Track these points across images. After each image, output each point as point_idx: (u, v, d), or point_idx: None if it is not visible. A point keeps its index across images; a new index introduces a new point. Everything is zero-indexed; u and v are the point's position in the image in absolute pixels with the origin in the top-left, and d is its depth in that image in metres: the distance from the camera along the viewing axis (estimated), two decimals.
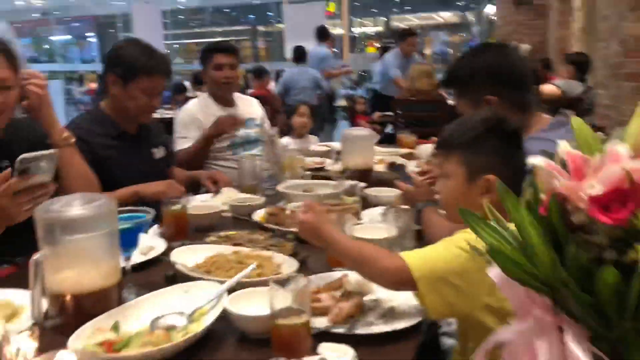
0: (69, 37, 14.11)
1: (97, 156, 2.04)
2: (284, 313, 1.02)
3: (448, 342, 1.52)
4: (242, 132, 2.86)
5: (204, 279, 1.32)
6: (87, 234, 1.14)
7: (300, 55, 6.71)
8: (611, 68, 4.29)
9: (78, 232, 1.13)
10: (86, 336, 1.06)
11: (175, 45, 19.45)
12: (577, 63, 5.30)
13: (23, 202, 1.34)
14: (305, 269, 1.44)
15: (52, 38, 13.10)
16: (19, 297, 1.25)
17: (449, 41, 17.17)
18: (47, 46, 12.98)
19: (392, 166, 1.95)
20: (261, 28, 19.13)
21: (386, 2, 19.27)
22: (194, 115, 2.78)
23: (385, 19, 19.63)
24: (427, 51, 14.70)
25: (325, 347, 1.00)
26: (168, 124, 3.19)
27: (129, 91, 2.07)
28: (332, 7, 16.18)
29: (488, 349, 0.57)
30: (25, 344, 0.93)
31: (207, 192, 2.31)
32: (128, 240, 1.32)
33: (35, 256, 1.10)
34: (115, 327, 1.12)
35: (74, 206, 1.14)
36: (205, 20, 18.67)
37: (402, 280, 1.06)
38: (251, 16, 18.94)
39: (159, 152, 2.35)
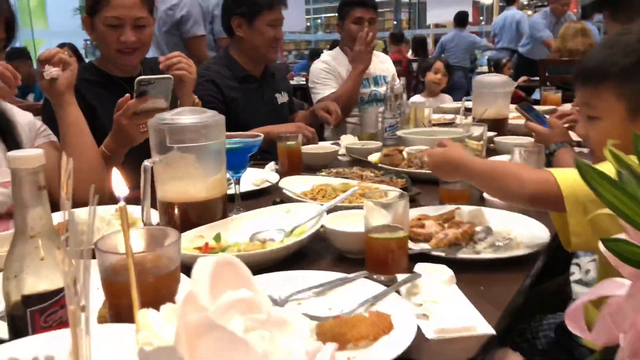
0: None
1: (225, 98, 2.14)
2: (379, 229, 0.95)
3: (581, 290, 1.34)
4: (369, 89, 2.80)
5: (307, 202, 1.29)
6: (196, 144, 1.16)
7: (461, 20, 7.00)
8: None
9: (188, 141, 1.15)
10: (187, 240, 1.08)
11: (317, 20, 19.81)
12: None
13: (141, 123, 1.42)
14: (415, 205, 1.35)
15: None
16: (138, 211, 1.32)
17: None
18: None
19: (526, 108, 1.75)
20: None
21: None
22: (330, 65, 2.76)
23: None
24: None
25: (421, 267, 0.92)
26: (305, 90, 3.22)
27: (255, 28, 2.15)
28: None
29: (589, 300, 0.44)
30: None
31: None
32: (237, 161, 1.34)
33: (146, 162, 1.14)
34: (217, 238, 1.13)
35: (185, 115, 1.16)
36: None
37: (545, 193, 0.92)
38: None
39: (282, 98, 2.39)
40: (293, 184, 1.48)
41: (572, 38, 4.41)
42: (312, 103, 2.70)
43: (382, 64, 2.92)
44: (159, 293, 0.68)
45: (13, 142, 1.36)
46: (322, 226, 1.09)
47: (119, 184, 0.59)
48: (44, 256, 0.63)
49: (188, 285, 0.44)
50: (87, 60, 1.84)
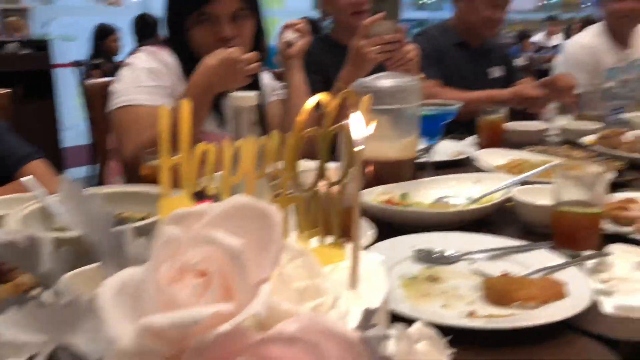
0: None
1: (439, 60, 2.15)
2: (570, 203, 0.89)
3: None
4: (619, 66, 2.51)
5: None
6: (391, 106, 1.21)
7: None
8: None
9: (384, 103, 1.20)
10: (375, 194, 1.14)
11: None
12: None
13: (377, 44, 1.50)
14: (628, 190, 1.21)
15: None
16: None
17: None
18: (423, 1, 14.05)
19: None
20: None
21: None
22: (584, 51, 2.47)
23: None
24: None
25: (615, 247, 0.84)
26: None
27: (472, 3, 2.10)
28: None
29: None
30: None
31: None
32: (431, 127, 1.35)
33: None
34: (404, 196, 1.17)
35: (383, 80, 1.22)
36: None
37: None
38: None
39: (495, 72, 2.31)
40: (490, 157, 1.44)
41: None
42: None
43: None
44: None
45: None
46: (510, 198, 1.05)
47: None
48: None
49: None
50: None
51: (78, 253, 0.44)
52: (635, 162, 1.40)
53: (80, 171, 4.74)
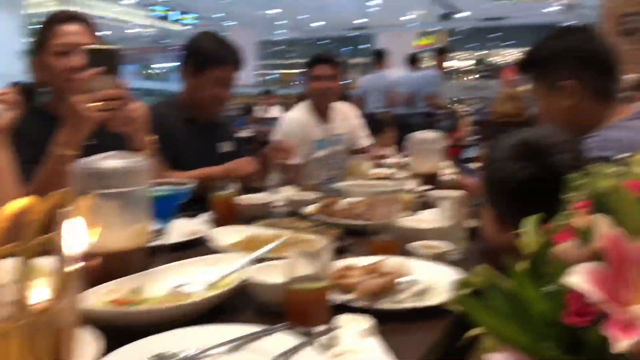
0: (171, 64, 15.30)
1: (168, 137, 2.10)
2: (299, 280, 0.93)
3: None
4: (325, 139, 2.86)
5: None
6: (119, 189, 1.12)
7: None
8: None
9: (110, 186, 1.11)
10: (102, 293, 1.03)
11: (273, 75, 20.35)
12: None
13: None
14: (349, 257, 1.35)
15: (156, 65, 14.24)
16: None
17: None
18: (148, 71, 14.11)
19: (458, 163, 1.81)
20: (357, 60, 19.51)
21: (483, 38, 19.15)
22: (295, 124, 2.80)
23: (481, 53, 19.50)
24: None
25: (343, 319, 0.90)
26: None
27: (201, 81, 2.15)
28: (426, 41, 16.29)
29: None
30: None
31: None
32: (164, 209, 1.30)
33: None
34: (136, 291, 1.08)
35: (109, 159, 1.13)
36: (301, 52, 19.40)
37: None
38: (345, 49, 19.38)
39: (224, 147, 2.38)
40: (226, 235, 1.45)
41: (503, 103, 4.73)
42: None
43: (345, 121, 3.00)
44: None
45: None
46: (245, 278, 1.06)
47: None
48: None
49: None
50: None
51: None
52: (350, 228, 1.57)
53: None
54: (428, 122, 6.27)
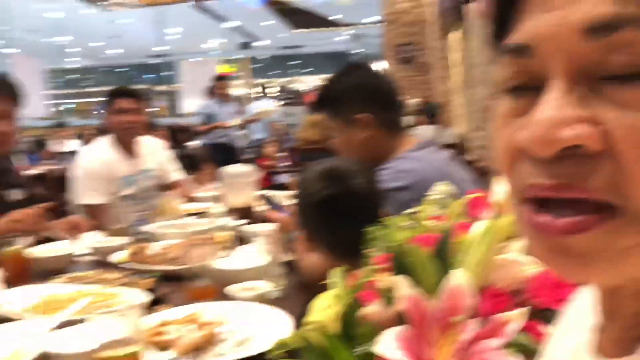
0: None
1: None
2: (111, 345, 0.85)
3: None
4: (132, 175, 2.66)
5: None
6: None
7: None
8: (483, 111, 4.57)
9: None
10: None
11: (69, 105, 18.74)
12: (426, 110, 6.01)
13: None
14: (164, 305, 1.27)
15: None
16: None
17: None
18: None
19: (266, 199, 1.85)
20: (160, 87, 18.92)
21: (284, 65, 20.12)
22: (97, 160, 2.53)
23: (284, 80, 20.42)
24: None
25: None
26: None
27: None
28: (229, 69, 16.57)
29: None
30: None
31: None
32: None
33: None
34: None
35: None
36: (98, 80, 18.28)
37: None
38: (147, 76, 18.78)
39: (15, 195, 2.11)
40: (18, 298, 1.27)
41: (307, 129, 4.97)
42: None
43: (154, 155, 2.81)
44: None
45: None
46: (42, 351, 0.93)
47: None
48: None
49: None
50: None
51: None
52: (165, 275, 1.49)
53: None
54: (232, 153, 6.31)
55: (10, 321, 1.14)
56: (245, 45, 17.61)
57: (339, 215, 1.11)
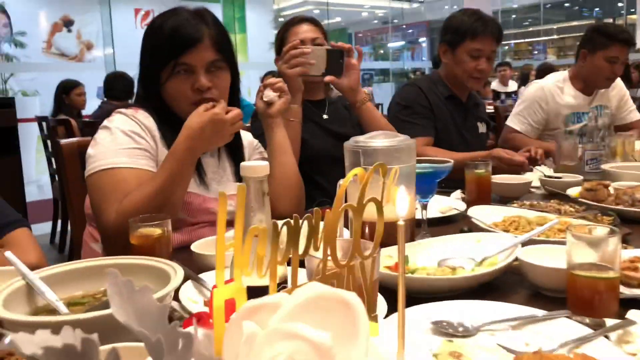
0: (402, 42, 15.42)
1: (433, 112, 2.20)
2: (585, 267, 0.87)
3: None
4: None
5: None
6: (388, 166, 1.18)
7: None
8: None
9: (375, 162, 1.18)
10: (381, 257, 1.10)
11: (505, 47, 19.10)
12: None
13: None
14: (626, 247, 1.21)
15: (389, 45, 14.50)
16: None
17: None
18: (382, 51, 14.46)
19: None
20: (609, 20, 17.15)
21: None
22: (541, 95, 2.65)
23: None
24: None
25: (636, 314, 0.82)
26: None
27: (456, 56, 2.17)
28: None
29: None
30: None
31: None
32: (426, 185, 1.34)
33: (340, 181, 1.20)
34: (405, 260, 1.14)
35: (378, 139, 1.21)
36: (539, 18, 17.80)
37: None
38: (596, 9, 17.17)
39: (482, 127, 2.38)
40: (482, 214, 1.43)
41: None
42: None
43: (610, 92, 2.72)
44: None
45: (239, 158, 1.56)
46: (516, 259, 1.03)
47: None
48: None
49: None
50: None
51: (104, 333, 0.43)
52: (624, 216, 1.41)
53: (41, 227, 4.55)
54: None
55: (480, 231, 1.30)
56: None
57: None
